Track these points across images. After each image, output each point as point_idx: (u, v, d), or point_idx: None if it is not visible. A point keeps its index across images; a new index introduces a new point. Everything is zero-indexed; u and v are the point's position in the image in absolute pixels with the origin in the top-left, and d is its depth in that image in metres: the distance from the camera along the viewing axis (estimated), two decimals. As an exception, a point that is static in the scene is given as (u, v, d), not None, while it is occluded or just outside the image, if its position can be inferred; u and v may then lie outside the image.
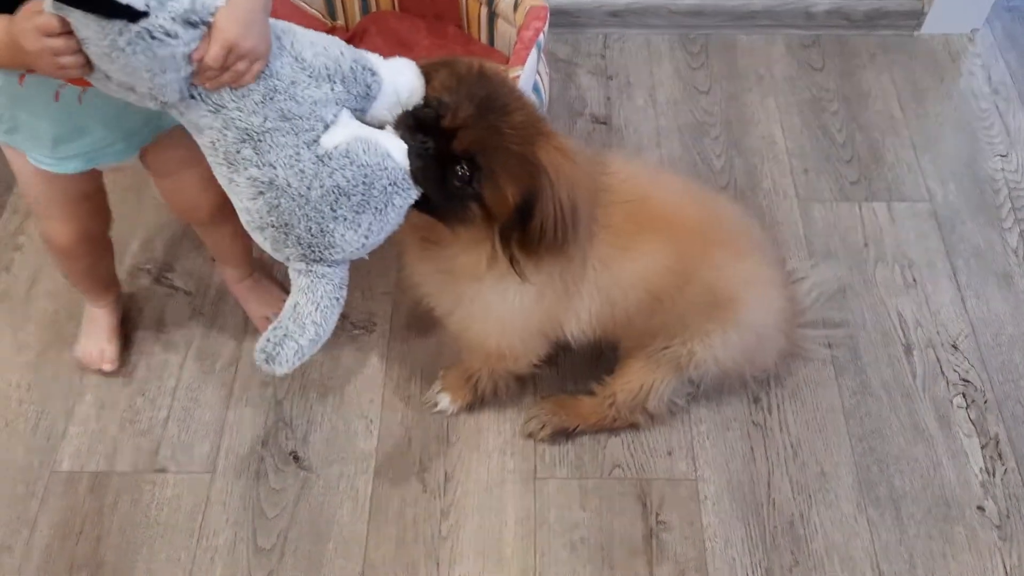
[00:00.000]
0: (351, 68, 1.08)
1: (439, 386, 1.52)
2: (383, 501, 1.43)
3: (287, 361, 1.13)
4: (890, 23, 2.09)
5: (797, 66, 2.05)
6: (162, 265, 1.72)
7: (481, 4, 1.90)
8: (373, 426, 1.51)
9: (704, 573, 1.35)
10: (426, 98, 1.10)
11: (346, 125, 1.08)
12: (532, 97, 1.19)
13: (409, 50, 1.95)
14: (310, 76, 1.04)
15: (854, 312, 1.64)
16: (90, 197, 1.36)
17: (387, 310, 1.65)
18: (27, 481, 1.45)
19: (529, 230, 1.09)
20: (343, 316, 1.60)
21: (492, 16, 1.93)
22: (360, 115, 1.12)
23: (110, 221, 1.46)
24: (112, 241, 1.51)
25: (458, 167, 1.06)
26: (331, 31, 2.00)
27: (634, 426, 1.48)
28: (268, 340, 1.13)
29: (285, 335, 1.13)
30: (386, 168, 1.08)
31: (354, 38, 1.97)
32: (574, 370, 1.55)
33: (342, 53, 1.09)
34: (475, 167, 1.06)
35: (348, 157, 1.05)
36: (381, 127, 1.13)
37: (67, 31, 0.92)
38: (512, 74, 1.68)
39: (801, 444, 1.48)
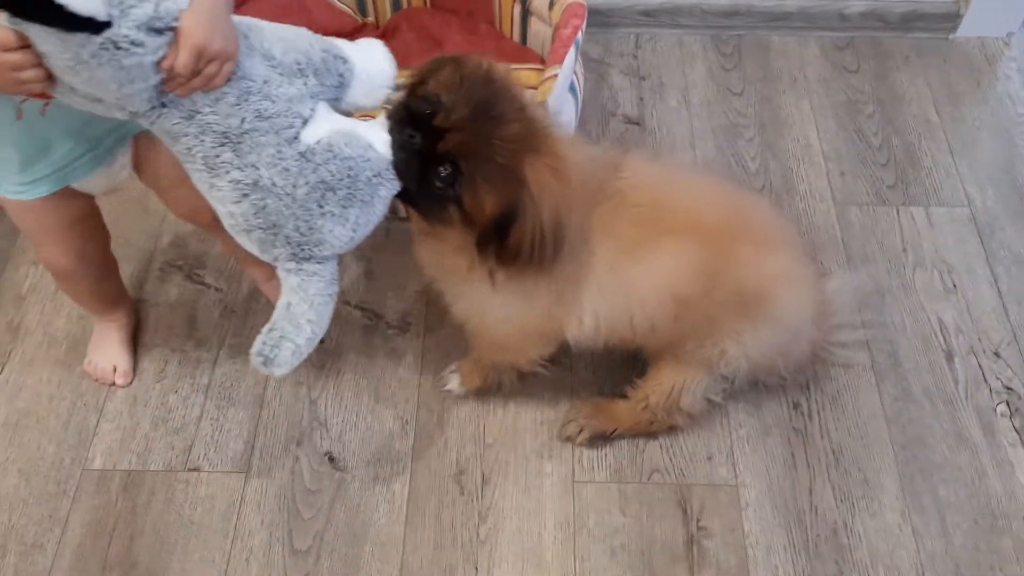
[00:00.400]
0: (322, 59, 1.07)
1: (453, 367, 1.52)
2: (420, 503, 1.41)
3: (285, 362, 1.13)
4: (925, 25, 2.07)
5: (831, 68, 2.03)
6: (193, 262, 1.70)
7: (515, 1, 1.88)
8: (408, 427, 1.49)
9: (747, 581, 1.34)
10: (424, 93, 1.08)
11: (325, 119, 1.07)
12: (530, 98, 1.16)
13: (440, 47, 1.94)
14: (282, 74, 1.03)
15: (893, 317, 1.62)
16: (82, 221, 1.33)
17: (421, 310, 1.63)
18: (58, 479, 1.43)
19: (507, 244, 1.08)
20: (377, 316, 1.61)
21: (526, 14, 1.91)
22: (335, 104, 1.11)
23: (108, 241, 1.44)
24: (115, 258, 1.49)
25: (441, 167, 1.05)
26: (361, 28, 1.98)
27: (673, 428, 1.46)
28: (264, 343, 1.12)
29: (282, 336, 1.12)
30: (369, 159, 1.07)
31: (385, 35, 1.95)
32: (611, 372, 1.53)
33: (311, 45, 1.08)
34: (457, 171, 1.05)
35: (331, 151, 1.04)
36: (353, 113, 1.13)
37: (25, 45, 0.89)
38: (550, 73, 1.66)
39: (843, 451, 1.46)
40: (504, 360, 1.41)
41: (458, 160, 1.04)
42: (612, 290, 1.20)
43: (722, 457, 1.46)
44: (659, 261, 1.18)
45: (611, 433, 1.46)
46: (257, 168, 1.02)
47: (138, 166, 1.30)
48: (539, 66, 1.87)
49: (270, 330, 1.13)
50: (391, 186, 1.09)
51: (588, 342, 1.27)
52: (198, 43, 0.93)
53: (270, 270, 1.58)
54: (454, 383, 1.51)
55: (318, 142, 1.04)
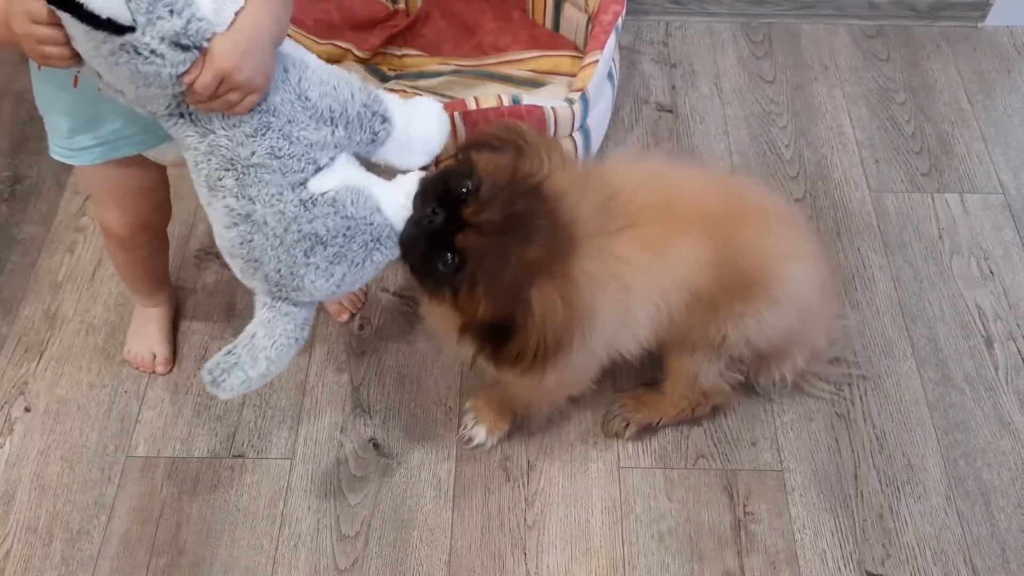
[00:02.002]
0: (359, 114, 1.04)
1: (472, 418, 1.45)
2: (466, 489, 1.41)
3: (231, 389, 1.11)
4: (954, 14, 2.07)
5: (862, 56, 2.03)
6: (229, 249, 1.69)
7: (549, -12, 1.87)
8: (452, 413, 1.48)
9: (795, 565, 1.34)
10: (469, 170, 1.04)
11: (342, 169, 1.05)
12: (569, 195, 1.09)
13: (472, 34, 1.93)
14: (311, 117, 1.01)
15: (932, 304, 1.62)
16: (149, 191, 1.31)
17: (460, 297, 1.63)
18: (102, 466, 1.43)
19: (502, 350, 1.06)
20: (416, 303, 1.61)
21: (560, 1, 1.90)
22: (366, 154, 1.10)
23: (169, 216, 1.42)
24: (169, 238, 1.48)
25: (449, 255, 1.02)
26: (393, 15, 1.97)
27: (717, 408, 1.46)
28: (218, 364, 1.10)
29: (235, 364, 1.10)
30: (372, 223, 1.04)
31: (417, 22, 1.95)
32: (650, 358, 1.52)
33: (352, 96, 1.04)
34: (463, 265, 1.02)
35: (334, 206, 1.02)
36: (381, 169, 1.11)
37: (55, 22, 0.89)
38: (590, 59, 1.66)
39: (886, 436, 1.47)
40: (555, 401, 1.39)
41: (467, 258, 1.02)
42: (652, 295, 1.19)
43: (766, 443, 1.46)
44: (678, 255, 1.17)
45: (656, 424, 1.46)
46: (253, 202, 1.00)
47: None
48: (573, 53, 1.87)
49: (228, 353, 1.10)
50: (388, 253, 1.07)
51: (639, 352, 1.26)
52: (223, 68, 0.92)
53: None
54: (481, 435, 1.43)
55: (324, 193, 1.02)
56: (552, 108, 1.58)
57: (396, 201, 1.06)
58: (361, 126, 1.05)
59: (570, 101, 1.60)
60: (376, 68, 1.90)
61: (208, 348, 1.56)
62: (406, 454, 1.44)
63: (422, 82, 1.83)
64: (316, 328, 1.58)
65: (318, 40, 1.89)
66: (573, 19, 1.88)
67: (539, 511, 1.39)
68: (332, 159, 1.03)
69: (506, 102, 1.56)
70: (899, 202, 1.77)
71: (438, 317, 1.17)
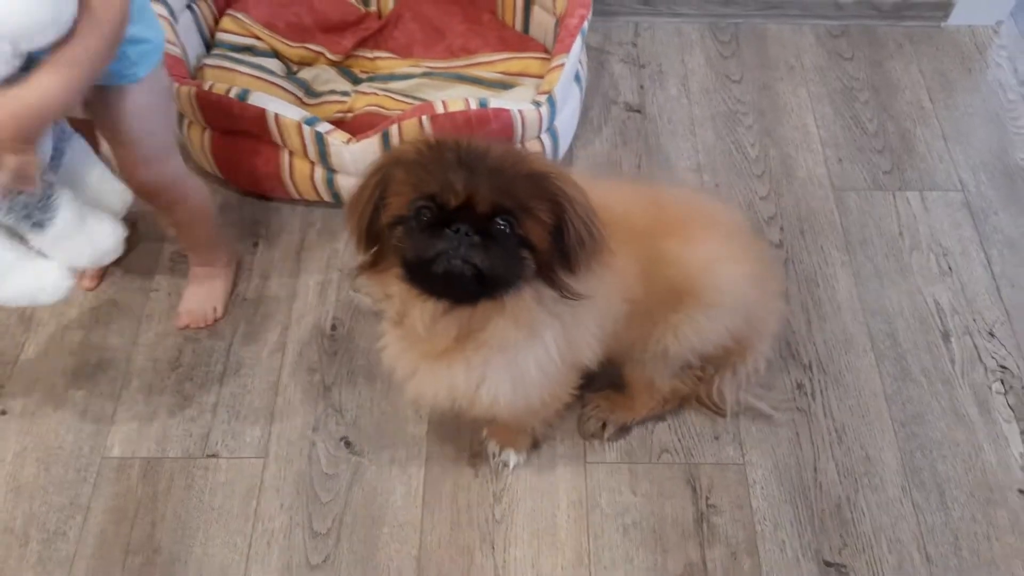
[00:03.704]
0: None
1: (496, 446, 1.47)
2: (436, 485, 1.44)
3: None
4: (917, 14, 2.12)
5: (827, 56, 2.07)
6: (203, 251, 1.72)
7: (518, -9, 1.90)
8: (422, 412, 1.51)
9: (755, 555, 1.38)
10: (414, 204, 1.04)
11: None
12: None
13: (443, 36, 1.96)
14: None
15: (891, 299, 1.66)
16: None
17: (430, 297, 1.66)
18: (78, 467, 1.45)
19: (567, 248, 1.07)
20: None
21: (528, 3, 1.93)
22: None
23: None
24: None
25: (497, 224, 1.03)
26: (364, 18, 1.99)
27: (686, 400, 1.50)
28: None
29: None
30: None
31: (388, 24, 1.98)
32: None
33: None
34: (507, 214, 1.03)
35: None
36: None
37: None
38: (556, 62, 1.69)
39: (845, 429, 1.51)
40: (545, 415, 1.39)
41: (501, 204, 1.03)
42: (600, 309, 1.21)
43: (729, 437, 1.50)
44: (612, 270, 1.17)
45: (631, 423, 1.50)
46: None
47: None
48: (542, 55, 1.90)
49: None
50: None
51: (593, 364, 1.29)
52: None
53: (204, 260, 1.63)
54: (513, 458, 1.45)
55: None
56: (519, 111, 1.61)
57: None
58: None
59: (537, 104, 1.64)
60: (348, 71, 1.92)
61: (182, 351, 1.58)
62: (377, 452, 1.47)
63: (393, 84, 1.86)
64: (289, 329, 1.61)
65: (290, 43, 1.92)
66: (542, 22, 1.91)
67: (507, 506, 1.42)
68: None
69: (473, 105, 1.59)
70: (861, 200, 1.81)
71: (510, 317, 1.13)
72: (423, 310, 1.10)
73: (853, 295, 1.67)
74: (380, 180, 1.07)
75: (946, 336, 1.62)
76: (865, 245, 1.74)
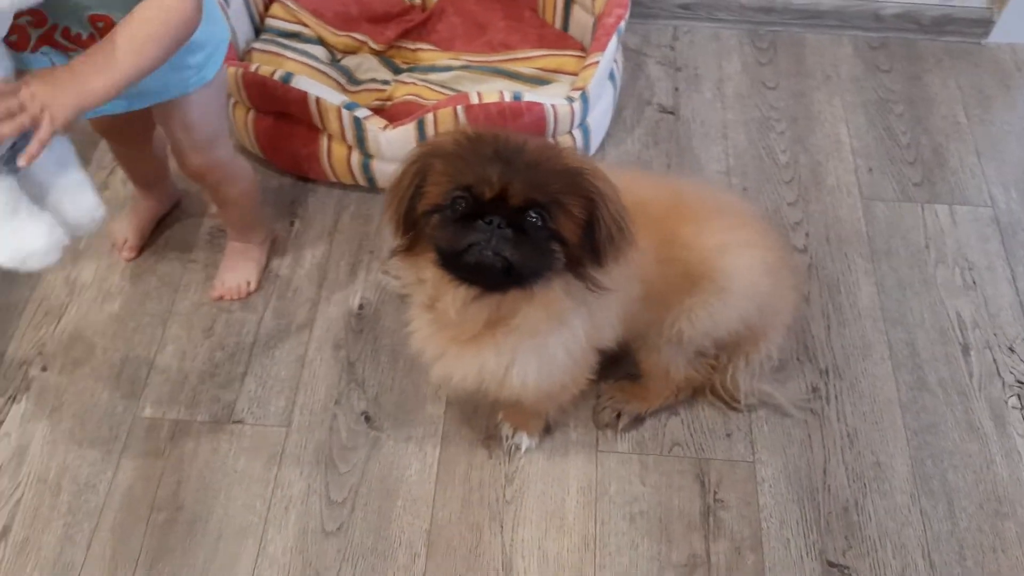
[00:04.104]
0: None
1: (509, 429, 1.50)
2: (450, 464, 1.48)
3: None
4: (958, 29, 2.11)
5: (864, 67, 2.08)
6: (241, 227, 1.78)
7: (559, -11, 1.94)
8: (441, 392, 1.56)
9: (759, 551, 1.40)
10: (449, 194, 1.07)
11: None
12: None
13: (484, 31, 2.00)
14: None
15: (912, 310, 1.67)
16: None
17: (456, 282, 1.70)
18: (111, 425, 1.52)
19: (597, 243, 1.10)
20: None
21: (569, 2, 1.97)
22: None
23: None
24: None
25: (529, 217, 1.06)
26: (408, 10, 2.05)
27: (698, 391, 1.52)
28: None
29: None
30: None
31: (432, 17, 2.03)
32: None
33: None
34: (540, 208, 1.06)
35: None
36: None
37: None
38: (591, 60, 1.72)
39: (858, 434, 1.52)
40: (562, 400, 1.42)
41: (534, 198, 1.05)
42: (621, 293, 1.23)
43: (741, 435, 1.52)
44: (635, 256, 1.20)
45: (645, 413, 1.53)
46: None
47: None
48: (579, 53, 1.93)
49: None
50: None
51: (610, 348, 1.33)
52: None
53: (242, 236, 1.69)
54: (526, 441, 1.49)
55: None
56: (552, 105, 1.65)
57: None
58: None
59: (570, 99, 1.67)
60: (390, 60, 1.98)
61: (216, 320, 1.65)
62: (395, 428, 1.52)
63: (433, 75, 1.91)
64: (318, 306, 1.67)
65: (336, 31, 1.97)
66: (581, 20, 1.95)
67: (518, 488, 1.46)
68: None
69: (507, 98, 1.63)
70: (889, 210, 1.82)
71: (540, 307, 1.17)
72: (455, 296, 1.15)
73: (874, 303, 1.68)
74: (419, 169, 1.11)
75: (966, 349, 1.62)
76: (890, 255, 1.75)
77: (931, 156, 1.91)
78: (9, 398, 1.54)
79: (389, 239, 1.72)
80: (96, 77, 1.11)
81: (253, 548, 1.39)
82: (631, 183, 1.23)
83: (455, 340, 1.23)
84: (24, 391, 1.55)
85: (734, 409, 1.53)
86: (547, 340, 1.21)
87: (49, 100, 1.08)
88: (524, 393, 1.28)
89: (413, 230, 1.14)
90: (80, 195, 1.23)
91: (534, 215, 1.06)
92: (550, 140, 1.14)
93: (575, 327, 1.22)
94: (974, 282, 1.71)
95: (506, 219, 1.06)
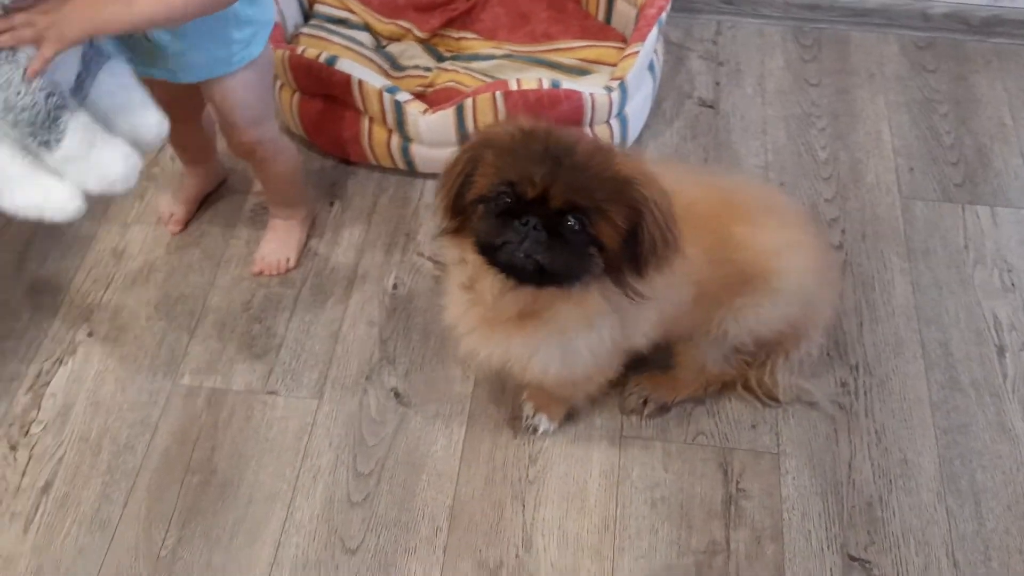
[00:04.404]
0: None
1: (531, 409, 1.51)
2: (475, 442, 1.51)
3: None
4: (1008, 31, 2.08)
5: (909, 66, 2.06)
6: (282, 206, 1.83)
7: (602, -19, 1.95)
8: (469, 372, 1.58)
9: (780, 541, 1.40)
10: (495, 188, 1.08)
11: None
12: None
13: (527, 21, 2.03)
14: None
15: (948, 310, 1.65)
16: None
17: (490, 266, 1.73)
18: (151, 391, 1.57)
19: (639, 252, 1.09)
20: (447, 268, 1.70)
21: (612, -6, 1.98)
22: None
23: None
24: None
25: (567, 221, 1.06)
26: (452, 0, 2.07)
27: (727, 386, 1.52)
28: None
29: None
30: None
31: (476, 7, 2.06)
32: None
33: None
34: (580, 213, 1.06)
35: None
36: None
37: None
38: (631, 50, 1.74)
39: (885, 431, 1.51)
40: (588, 389, 1.43)
41: (576, 203, 1.05)
42: (662, 300, 1.23)
43: (766, 427, 1.52)
44: (681, 256, 1.19)
45: (671, 402, 1.54)
46: None
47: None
48: (620, 44, 1.95)
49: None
50: None
51: (645, 349, 1.34)
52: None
53: (284, 213, 1.73)
54: (545, 423, 1.50)
55: None
56: (590, 94, 1.67)
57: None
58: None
59: (608, 89, 1.69)
60: (433, 48, 2.01)
61: (255, 295, 1.70)
62: (423, 405, 1.55)
63: (475, 64, 1.94)
64: (353, 283, 1.71)
65: (382, 19, 2.02)
66: (624, 12, 1.96)
67: (541, 468, 1.48)
68: None
69: (546, 85, 1.65)
70: (928, 210, 1.80)
71: (576, 305, 1.18)
72: (493, 282, 1.17)
73: (909, 302, 1.66)
74: (471, 158, 1.12)
75: (1001, 351, 1.60)
76: (927, 255, 1.73)
77: (974, 157, 1.89)
78: (56, 360, 1.60)
79: (432, 220, 1.76)
80: (112, 5, 1.15)
81: (281, 513, 1.43)
82: (681, 178, 1.24)
83: (487, 321, 1.25)
84: (71, 354, 1.61)
85: (769, 405, 1.53)
86: (574, 338, 1.23)
87: (60, 19, 1.12)
88: (545, 380, 1.30)
89: (462, 215, 1.16)
90: (144, 113, 1.29)
91: (573, 219, 1.06)
92: (605, 143, 1.11)
93: (602, 331, 1.23)
94: (1013, 284, 1.69)
95: (544, 220, 1.06)
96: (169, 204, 1.79)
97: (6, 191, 1.19)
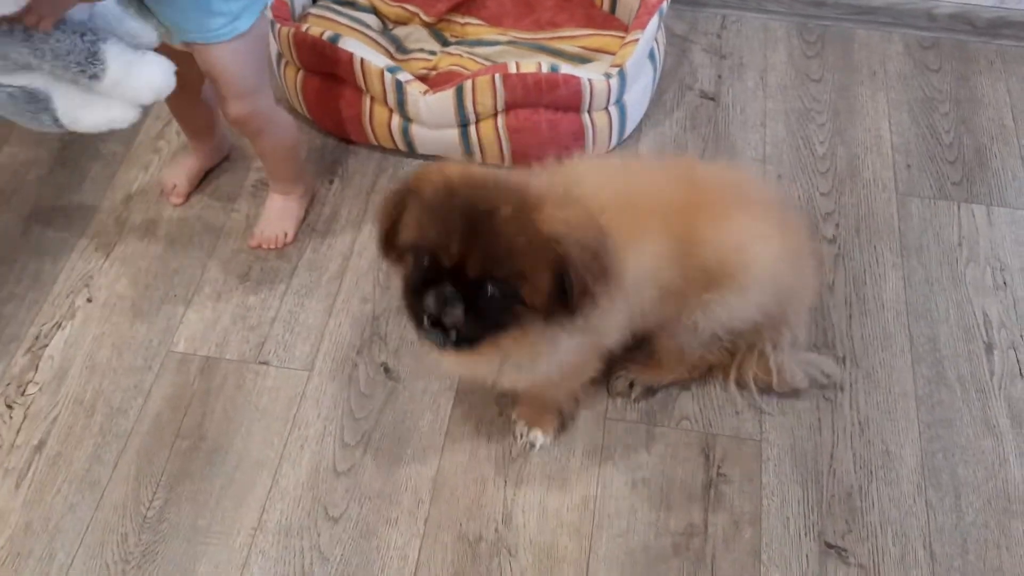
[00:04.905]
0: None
1: (524, 425, 1.50)
2: (461, 418, 1.53)
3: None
4: (1013, 33, 2.08)
5: (913, 65, 2.06)
6: (283, 182, 1.85)
7: (608, -29, 1.96)
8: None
9: (758, 526, 1.41)
10: (415, 247, 1.09)
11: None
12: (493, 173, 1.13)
13: (532, 10, 2.04)
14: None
15: (938, 305, 1.66)
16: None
17: (484, 248, 1.74)
18: (146, 357, 1.60)
19: (571, 300, 1.08)
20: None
21: (617, -16, 1.99)
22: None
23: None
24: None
25: (487, 290, 1.05)
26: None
27: (713, 368, 1.53)
28: None
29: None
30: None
31: (482, -5, 2.06)
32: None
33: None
34: (500, 281, 1.05)
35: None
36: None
37: None
38: (631, 38, 1.75)
39: (869, 423, 1.52)
40: (569, 391, 1.45)
41: (493, 273, 1.04)
42: (627, 304, 1.25)
43: (750, 414, 1.53)
44: (642, 252, 1.21)
45: (658, 386, 1.55)
46: None
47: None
48: (621, 33, 1.96)
49: None
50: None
51: (617, 345, 1.35)
52: None
53: (283, 188, 1.75)
54: (540, 438, 1.48)
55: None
56: (589, 80, 1.68)
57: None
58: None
59: (607, 75, 1.70)
60: (439, 33, 2.03)
61: (251, 267, 1.72)
62: (412, 381, 1.57)
63: (479, 49, 1.95)
64: (349, 260, 1.73)
65: (388, 2, 2.04)
66: (628, 2, 1.97)
67: (524, 446, 1.50)
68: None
69: (545, 69, 1.67)
70: (924, 207, 1.81)
71: (523, 343, 1.18)
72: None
73: (900, 297, 1.67)
74: (398, 203, 1.12)
75: (989, 348, 1.60)
76: (920, 251, 1.74)
77: (973, 156, 1.89)
78: (56, 324, 1.64)
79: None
80: None
81: (267, 480, 1.45)
82: (642, 175, 1.26)
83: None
84: (69, 319, 1.65)
85: (770, 392, 1.52)
86: (535, 357, 1.23)
87: None
88: (520, 388, 1.33)
89: (397, 251, 1.16)
90: (144, 28, 1.41)
91: (492, 288, 1.05)
92: (534, 195, 1.06)
93: (560, 346, 1.22)
94: (1004, 283, 1.69)
95: (462, 288, 1.05)
96: (172, 176, 1.82)
97: (78, 117, 1.36)
